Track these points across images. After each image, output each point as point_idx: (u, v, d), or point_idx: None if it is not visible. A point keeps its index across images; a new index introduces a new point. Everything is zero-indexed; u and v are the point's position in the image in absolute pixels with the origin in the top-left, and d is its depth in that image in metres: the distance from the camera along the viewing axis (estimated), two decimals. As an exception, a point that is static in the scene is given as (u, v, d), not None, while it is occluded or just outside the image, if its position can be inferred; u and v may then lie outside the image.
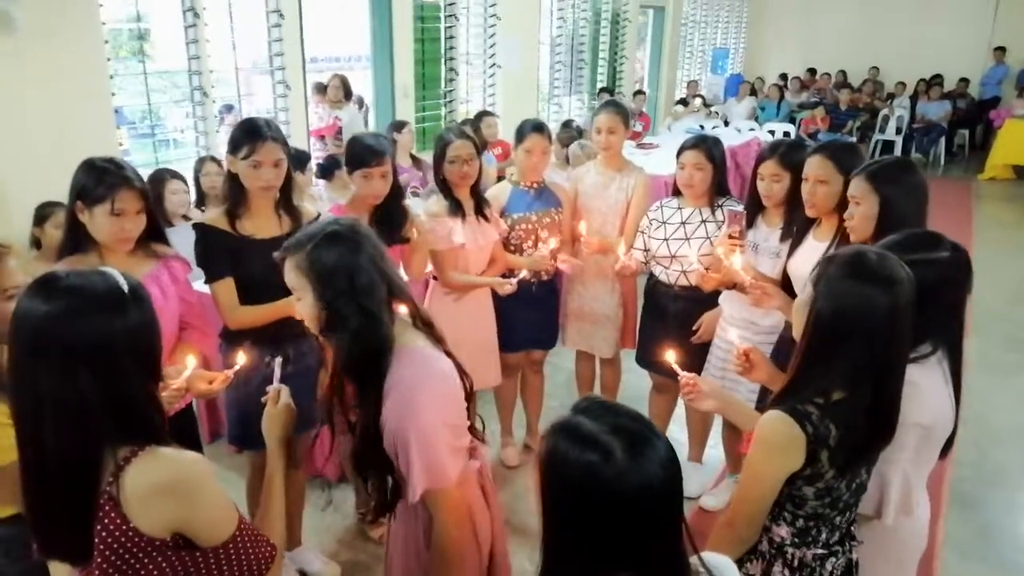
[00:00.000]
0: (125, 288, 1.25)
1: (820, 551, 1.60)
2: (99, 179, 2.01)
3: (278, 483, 1.54)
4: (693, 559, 1.18)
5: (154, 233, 2.19)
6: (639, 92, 9.87)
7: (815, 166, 2.36)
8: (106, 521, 1.19)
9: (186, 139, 7.03)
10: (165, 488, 1.22)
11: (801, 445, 1.47)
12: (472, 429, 1.74)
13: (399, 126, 5.48)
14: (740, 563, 1.63)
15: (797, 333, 1.59)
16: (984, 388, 4.42)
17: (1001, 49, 12.53)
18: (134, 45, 6.00)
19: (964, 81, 12.45)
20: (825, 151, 2.37)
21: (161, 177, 4.00)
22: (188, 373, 1.86)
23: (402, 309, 1.63)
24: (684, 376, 1.84)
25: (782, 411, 1.50)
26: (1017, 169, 10.53)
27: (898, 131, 11.42)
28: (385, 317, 1.55)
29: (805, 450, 1.48)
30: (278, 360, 1.83)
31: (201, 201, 4.44)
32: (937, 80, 12.21)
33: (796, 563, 1.60)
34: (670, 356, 1.82)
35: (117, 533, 1.20)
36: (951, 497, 3.40)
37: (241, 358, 1.93)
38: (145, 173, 4.01)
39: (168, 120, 8.55)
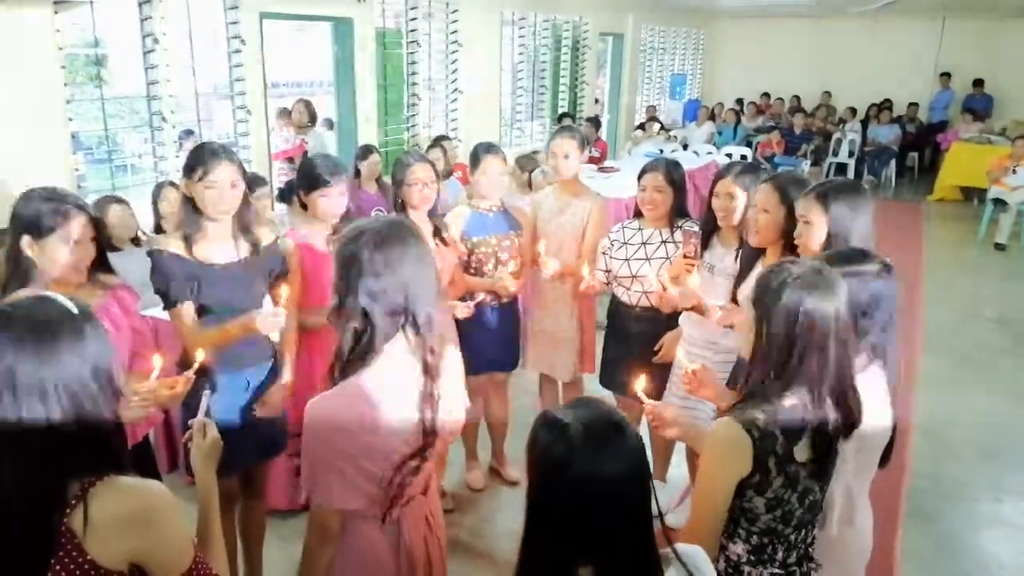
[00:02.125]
0: (75, 311, 1.23)
1: (777, 570, 1.62)
2: (50, 209, 1.97)
3: (215, 518, 1.50)
4: (666, 550, 1.22)
5: (101, 263, 2.14)
6: (590, 119, 10.01)
7: (760, 195, 2.42)
8: (61, 555, 1.16)
9: (144, 164, 6.96)
10: (127, 519, 1.19)
11: (747, 449, 1.51)
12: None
13: (365, 153, 5.40)
14: None
15: (745, 352, 1.63)
16: (937, 403, 4.53)
17: (947, 75, 13.01)
18: (91, 71, 5.95)
19: (913, 106, 12.87)
20: (773, 181, 2.42)
21: (102, 204, 3.88)
22: (156, 372, 1.82)
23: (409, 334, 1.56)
24: (649, 406, 1.86)
25: (729, 418, 1.55)
26: (965, 190, 10.87)
27: (851, 154, 11.74)
28: (383, 329, 1.51)
29: (752, 455, 1.51)
30: (206, 393, 1.80)
31: (159, 227, 4.40)
32: (887, 105, 12.61)
33: None
34: (639, 383, 1.84)
35: (72, 567, 1.17)
36: (909, 510, 3.47)
37: (200, 355, 1.89)
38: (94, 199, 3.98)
39: (125, 146, 8.46)
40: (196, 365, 1.89)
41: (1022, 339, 5.76)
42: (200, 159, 2.24)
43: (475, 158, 3.23)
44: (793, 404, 1.53)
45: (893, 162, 12.02)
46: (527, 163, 6.13)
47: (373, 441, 1.53)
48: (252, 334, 2.32)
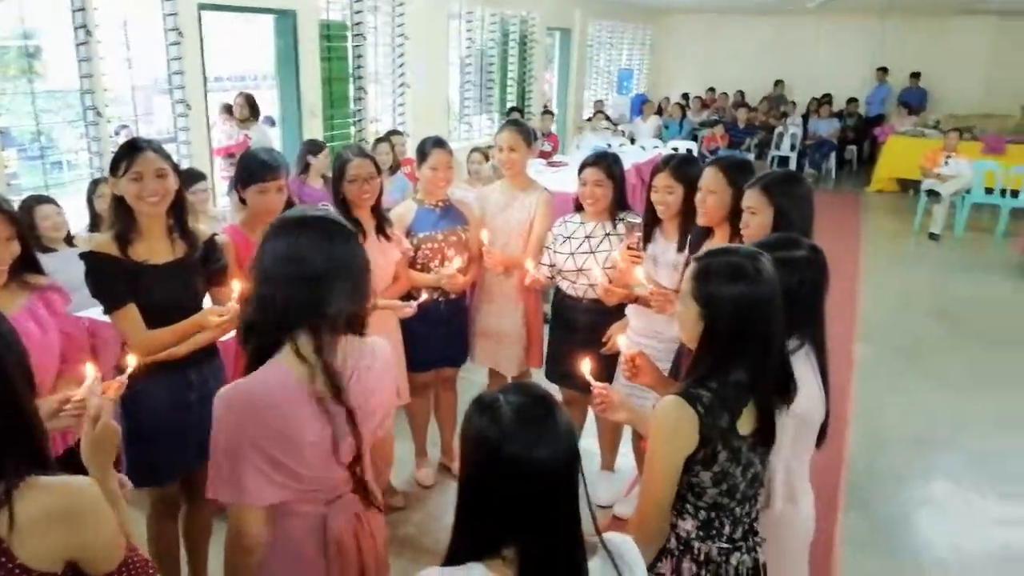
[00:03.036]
0: None
1: (724, 545, 1.67)
2: None
3: (122, 509, 1.41)
4: (593, 538, 1.24)
5: (28, 263, 2.06)
6: (546, 111, 10.05)
7: (707, 177, 2.50)
8: None
9: (80, 161, 6.75)
10: (56, 516, 1.17)
11: (694, 424, 1.55)
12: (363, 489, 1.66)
13: (316, 149, 5.29)
14: (652, 565, 1.69)
15: (686, 337, 1.68)
16: (873, 393, 4.68)
17: (883, 70, 13.41)
18: (23, 63, 5.73)
19: (853, 100, 13.23)
20: (717, 164, 2.52)
21: (28, 205, 3.73)
22: (90, 381, 1.75)
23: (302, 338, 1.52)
24: (597, 387, 1.88)
25: (674, 395, 1.59)
26: (901, 182, 11.23)
27: (792, 147, 12.03)
28: (283, 322, 1.50)
29: (698, 430, 1.55)
30: (94, 375, 1.71)
31: (95, 225, 4.27)
32: (827, 99, 12.95)
33: (703, 558, 1.66)
34: (585, 366, 1.87)
35: (3, 572, 1.13)
36: (846, 496, 3.58)
37: (131, 360, 1.83)
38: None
39: (61, 142, 8.17)
40: (129, 370, 1.83)
41: (956, 329, 5.97)
42: (124, 153, 2.19)
43: (422, 153, 3.21)
44: (736, 380, 1.58)
45: (833, 155, 12.37)
46: (477, 157, 6.13)
47: (285, 429, 1.49)
48: (202, 334, 2.28)
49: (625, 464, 3.62)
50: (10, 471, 1.16)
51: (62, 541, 1.18)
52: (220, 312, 2.24)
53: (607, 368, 3.10)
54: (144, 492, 2.56)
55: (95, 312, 3.28)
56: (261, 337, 1.53)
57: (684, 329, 1.68)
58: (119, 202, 2.23)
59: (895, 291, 6.84)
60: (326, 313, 1.50)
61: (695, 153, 9.95)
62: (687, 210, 2.73)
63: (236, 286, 2.19)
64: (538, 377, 3.55)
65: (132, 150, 2.19)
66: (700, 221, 2.53)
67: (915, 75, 13.13)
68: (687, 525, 1.67)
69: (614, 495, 3.45)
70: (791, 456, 1.83)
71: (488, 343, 3.49)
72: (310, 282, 1.49)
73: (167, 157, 2.26)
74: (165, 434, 2.36)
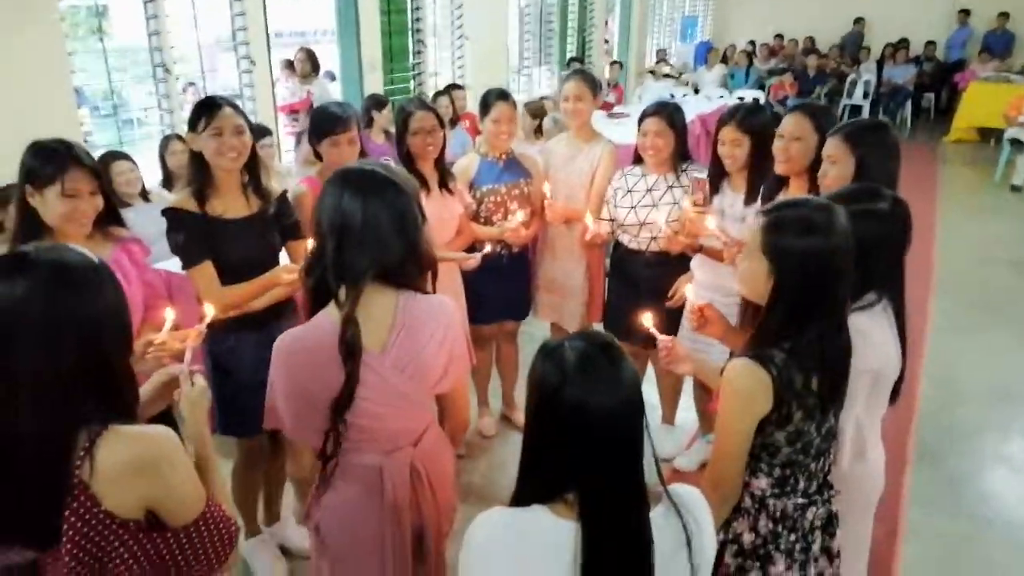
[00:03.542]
0: (95, 260, 1.25)
1: (800, 500, 1.65)
2: (47, 160, 1.97)
3: (214, 467, 1.48)
4: (658, 488, 1.24)
5: (110, 216, 2.14)
6: (615, 62, 9.85)
7: (791, 123, 2.40)
8: (75, 505, 1.17)
9: (150, 119, 6.91)
10: (136, 465, 1.21)
11: (768, 387, 1.52)
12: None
13: (379, 104, 5.29)
14: (727, 523, 1.69)
15: (748, 292, 1.65)
16: (950, 347, 4.53)
17: (965, 11, 12.65)
18: (92, 23, 5.87)
19: (931, 44, 12.55)
20: (802, 109, 2.43)
21: (105, 160, 3.82)
22: (168, 325, 1.82)
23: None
24: (663, 340, 1.87)
25: (746, 357, 1.56)
26: (982, 131, 10.66)
27: (865, 95, 11.52)
28: (337, 271, 1.55)
29: (772, 392, 1.53)
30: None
31: (168, 181, 4.39)
32: (903, 44, 12.30)
33: (779, 514, 1.64)
34: (647, 319, 1.85)
35: (87, 516, 1.18)
36: (918, 452, 3.50)
37: (210, 310, 1.90)
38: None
39: (131, 100, 8.39)
40: (207, 319, 1.90)
41: (1036, 283, 5.71)
42: (203, 109, 2.24)
43: (485, 105, 3.19)
44: (809, 339, 1.54)
45: (909, 103, 11.80)
46: (536, 109, 6.04)
47: (325, 377, 1.54)
48: (277, 289, 2.34)
49: (686, 418, 3.61)
50: (96, 420, 1.20)
51: (141, 489, 1.22)
52: (290, 269, 2.29)
53: (671, 322, 3.06)
54: (232, 442, 2.67)
55: (172, 264, 3.41)
56: (315, 282, 1.60)
57: (748, 283, 1.64)
58: (197, 158, 2.28)
59: (973, 244, 6.56)
60: (353, 269, 1.54)
61: (762, 103, 9.65)
62: (755, 162, 2.66)
63: (310, 244, 2.23)
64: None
65: (211, 106, 2.24)
66: (779, 170, 2.44)
67: (1003, 15, 12.32)
68: (761, 483, 1.65)
69: (675, 448, 3.45)
70: (863, 412, 1.79)
71: (551, 297, 3.49)
72: (342, 237, 1.53)
73: (243, 114, 2.30)
74: (253, 388, 2.41)
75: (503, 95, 3.19)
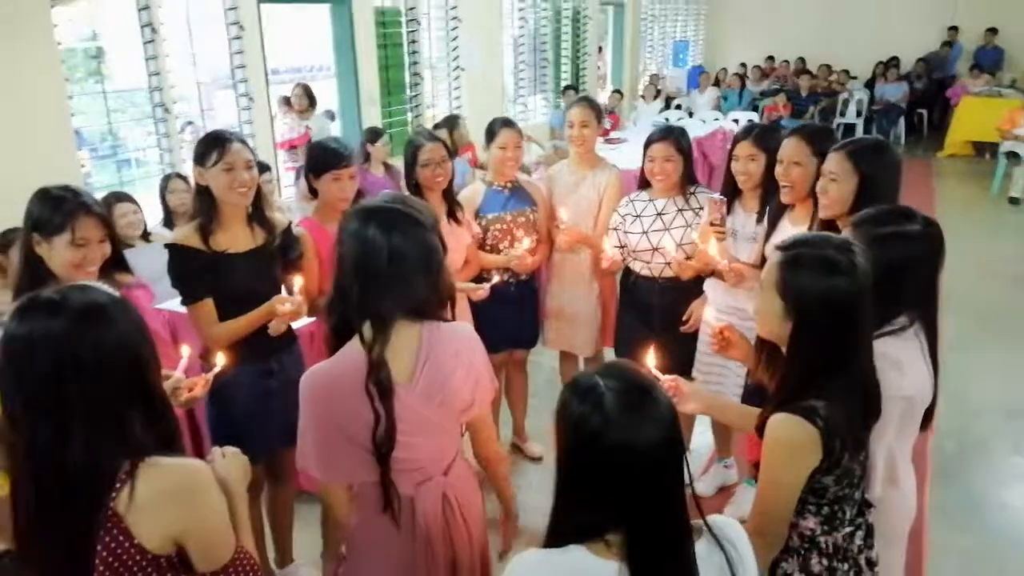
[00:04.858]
0: (116, 293, 1.30)
1: (848, 529, 1.61)
2: (56, 207, 1.94)
3: (245, 518, 1.46)
4: (698, 521, 1.22)
5: (117, 262, 2.12)
6: (616, 91, 9.96)
7: (790, 148, 2.38)
8: (107, 539, 1.18)
9: (148, 158, 6.93)
10: (169, 493, 1.22)
11: (816, 441, 1.47)
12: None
13: (374, 136, 5.29)
14: (775, 564, 1.63)
15: (765, 331, 1.60)
16: (959, 364, 4.47)
17: (954, 29, 12.79)
18: (90, 65, 5.90)
19: (922, 62, 12.66)
20: (801, 133, 2.40)
21: (108, 201, 3.79)
22: (185, 362, 1.82)
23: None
24: (665, 379, 1.80)
25: (789, 413, 1.50)
26: (976, 145, 10.73)
27: (858, 114, 11.60)
28: (359, 307, 1.53)
29: (821, 445, 1.47)
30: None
31: (169, 220, 4.37)
32: (894, 62, 12.42)
33: (831, 549, 1.60)
34: (650, 360, 1.80)
35: (119, 551, 1.19)
36: (935, 470, 3.46)
37: (220, 359, 1.88)
38: (100, 196, 3.94)
39: (128, 140, 8.41)
40: (217, 368, 1.88)
41: (1042, 295, 5.70)
42: (212, 143, 2.22)
43: (491, 133, 3.19)
44: (843, 384, 1.49)
45: (902, 120, 11.87)
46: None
47: (356, 411, 1.52)
48: (272, 321, 2.31)
49: (700, 442, 3.56)
50: (137, 450, 1.21)
51: (173, 516, 1.22)
52: (283, 300, 2.25)
53: (684, 349, 3.03)
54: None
55: (175, 304, 3.38)
56: (337, 320, 1.59)
57: (763, 321, 1.59)
58: (204, 192, 2.26)
59: (975, 259, 6.54)
60: (379, 307, 1.53)
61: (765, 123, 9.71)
62: (768, 180, 2.64)
63: (298, 281, 2.24)
64: (610, 358, 3.52)
65: (220, 141, 2.22)
66: (785, 199, 2.41)
67: (992, 31, 12.45)
68: (809, 523, 1.60)
69: (692, 474, 3.39)
70: (894, 439, 1.74)
71: (562, 324, 3.46)
72: (367, 275, 1.52)
73: (250, 148, 2.30)
74: (249, 419, 2.41)
75: (508, 123, 3.20)
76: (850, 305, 1.47)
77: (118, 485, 1.18)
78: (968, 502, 3.28)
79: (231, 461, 1.46)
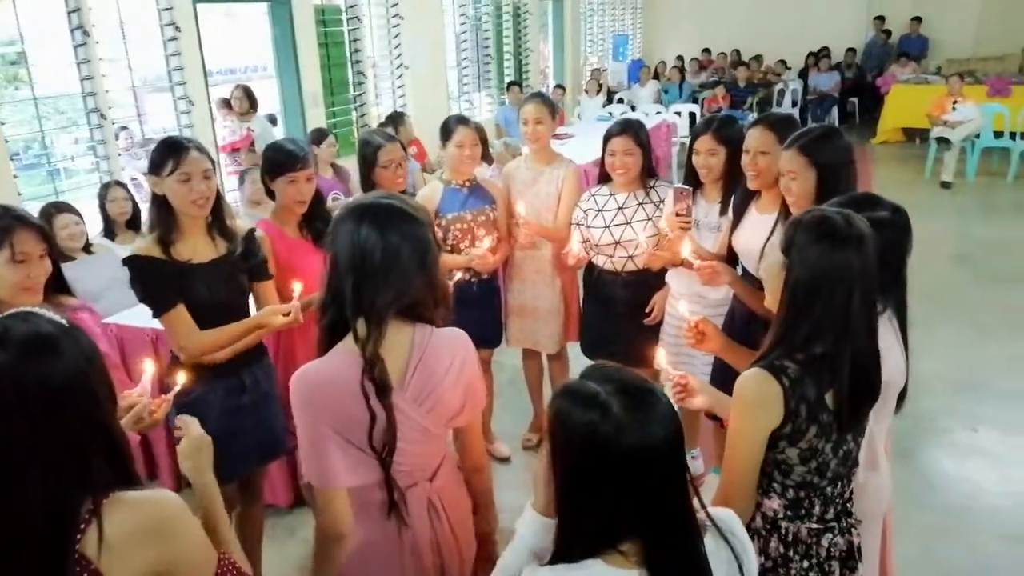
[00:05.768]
0: (64, 321, 1.19)
1: (815, 525, 1.60)
2: None
3: (222, 516, 1.44)
4: (700, 514, 1.21)
5: (57, 282, 1.99)
6: (559, 86, 9.99)
7: (755, 138, 2.38)
8: None
9: (77, 167, 6.65)
10: (145, 532, 1.14)
11: (778, 398, 1.48)
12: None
13: (319, 137, 5.11)
14: None
15: (771, 300, 1.60)
16: (909, 342, 4.61)
17: (880, 19, 13.20)
18: (9, 71, 5.63)
19: (851, 51, 13.04)
20: (765, 122, 2.41)
21: (48, 212, 3.60)
22: (148, 376, 1.72)
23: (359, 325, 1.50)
24: (676, 375, 1.80)
25: (758, 367, 1.52)
26: (907, 131, 11.10)
27: (793, 103, 11.88)
28: (354, 305, 1.48)
29: (783, 404, 1.48)
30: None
31: (110, 230, 4.19)
32: (825, 53, 12.76)
33: (791, 538, 1.60)
34: (660, 356, 1.79)
35: None
36: (891, 448, 3.54)
37: (181, 378, 1.79)
38: (37, 208, 3.73)
39: (55, 148, 8.06)
40: (176, 388, 1.79)
41: (982, 274, 5.92)
42: (168, 151, 2.10)
43: (446, 131, 3.13)
44: (822, 352, 1.50)
45: (835, 108, 12.20)
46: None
47: (350, 412, 1.48)
48: (261, 332, 2.25)
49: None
50: (98, 486, 1.13)
51: (150, 558, 1.15)
52: (275, 311, 2.19)
53: (646, 341, 3.03)
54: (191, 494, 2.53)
55: (123, 317, 3.25)
56: (330, 320, 1.53)
57: (769, 283, 1.61)
58: (160, 201, 2.15)
59: (915, 239, 6.75)
60: (374, 303, 1.48)
61: (698, 116, 9.85)
62: (730, 172, 2.66)
63: (297, 287, 2.17)
64: (574, 352, 3.51)
65: (177, 149, 2.11)
66: (752, 185, 2.42)
67: (916, 19, 12.87)
68: (773, 504, 1.60)
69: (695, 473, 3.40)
70: (874, 423, 1.76)
71: (525, 322, 3.44)
72: (362, 273, 1.48)
73: (209, 157, 2.19)
74: (221, 437, 2.31)
75: (463, 120, 3.15)
76: (842, 270, 1.47)
77: (82, 526, 1.10)
78: (925, 479, 3.37)
79: (195, 449, 1.45)
